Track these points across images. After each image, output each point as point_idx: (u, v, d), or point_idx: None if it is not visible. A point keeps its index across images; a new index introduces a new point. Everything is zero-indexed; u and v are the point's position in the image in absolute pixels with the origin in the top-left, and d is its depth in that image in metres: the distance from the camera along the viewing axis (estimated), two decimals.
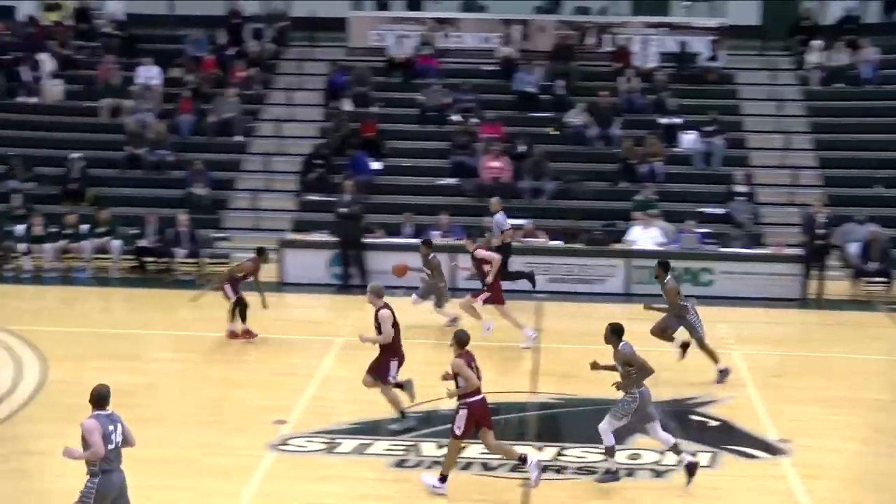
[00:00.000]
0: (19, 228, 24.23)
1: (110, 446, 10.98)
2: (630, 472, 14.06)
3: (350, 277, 23.19)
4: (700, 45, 30.36)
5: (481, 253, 19.57)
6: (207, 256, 24.14)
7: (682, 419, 15.95)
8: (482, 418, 13.29)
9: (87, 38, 31.08)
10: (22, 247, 23.95)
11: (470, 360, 13.33)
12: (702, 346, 17.41)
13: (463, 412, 13.21)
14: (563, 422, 16.52)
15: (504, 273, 20.67)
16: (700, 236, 23.97)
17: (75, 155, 26.47)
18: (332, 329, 20.26)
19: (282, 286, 23.12)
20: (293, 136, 28.24)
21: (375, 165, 26.93)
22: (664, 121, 28.07)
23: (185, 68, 29.41)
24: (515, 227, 23.72)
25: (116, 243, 23.98)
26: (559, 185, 26.36)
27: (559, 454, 14.63)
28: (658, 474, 14.06)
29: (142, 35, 31.08)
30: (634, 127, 27.83)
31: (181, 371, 18.22)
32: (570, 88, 28.95)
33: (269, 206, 26.56)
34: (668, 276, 17.45)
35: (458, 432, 13.25)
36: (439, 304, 20.16)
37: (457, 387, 13.23)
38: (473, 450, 14.63)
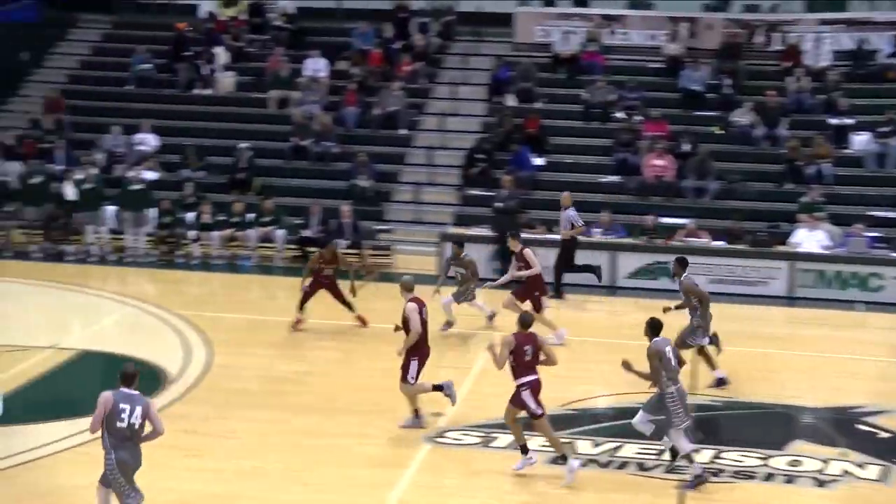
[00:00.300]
0: (190, 216, 24.91)
1: (119, 424, 11.20)
2: (790, 479, 13.78)
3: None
4: (881, 42, 29.42)
5: (528, 254, 19.24)
6: (369, 248, 24.42)
7: (848, 428, 15.53)
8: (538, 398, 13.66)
9: (259, 32, 31.81)
10: (192, 234, 24.62)
11: (527, 341, 13.59)
12: (700, 349, 16.89)
13: (526, 393, 13.55)
14: (721, 424, 16.24)
15: (571, 268, 22.06)
16: (870, 240, 23.27)
17: (244, 145, 27.09)
18: (490, 323, 20.29)
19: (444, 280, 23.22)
20: (456, 130, 28.37)
21: (538, 161, 26.88)
22: (834, 121, 27.32)
23: (352, 61, 29.83)
24: (678, 227, 23.50)
25: (281, 232, 24.45)
26: (723, 184, 25.92)
27: (716, 457, 14.40)
28: (820, 483, 13.73)
29: (310, 28, 31.63)
30: (802, 127, 27.17)
31: (340, 360, 18.48)
32: (737, 87, 28.43)
33: (431, 200, 26.73)
34: (686, 273, 17.02)
35: (538, 413, 13.59)
36: (457, 298, 19.70)
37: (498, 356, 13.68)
38: (629, 449, 14.53)
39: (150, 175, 26.20)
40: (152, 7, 34.44)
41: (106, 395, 11.29)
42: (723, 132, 27.52)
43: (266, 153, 27.64)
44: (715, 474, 13.86)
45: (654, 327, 13.60)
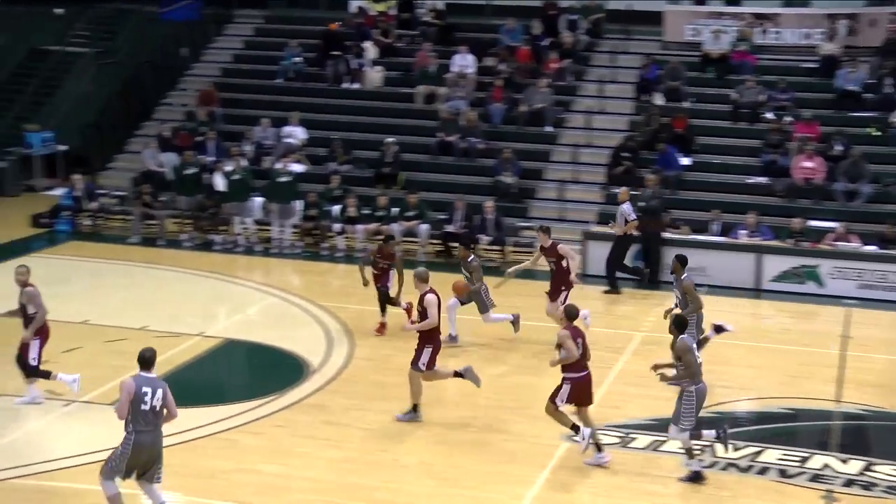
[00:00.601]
0: (335, 209, 25.22)
1: (143, 407, 11.54)
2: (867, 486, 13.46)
3: (652, 272, 22.92)
4: None
5: (564, 248, 18.67)
6: (512, 245, 24.39)
7: None
8: (583, 396, 13.96)
9: (407, 27, 32.06)
10: (336, 226, 24.93)
11: (577, 334, 13.86)
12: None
13: (566, 387, 13.86)
14: (871, 435, 15.82)
15: (620, 265, 21.83)
16: None
17: (390, 139, 27.32)
18: (632, 323, 20.11)
19: (584, 278, 23.11)
20: (603, 128, 28.15)
21: (684, 161, 26.51)
22: None
23: (499, 57, 29.82)
24: (826, 231, 22.96)
25: (424, 227, 24.59)
26: (877, 188, 25.18)
27: (866, 469, 14.02)
28: None
29: (459, 24, 31.73)
30: None
31: (483, 356, 18.49)
32: None
33: (575, 198, 26.58)
34: (685, 272, 16.74)
35: (560, 405, 13.91)
36: (483, 310, 18.66)
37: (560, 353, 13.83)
38: (770, 454, 14.26)
39: (298, 167, 26.61)
40: (304, 1, 35.01)
41: (127, 382, 11.67)
42: (879, 133, 26.72)
43: (412, 148, 27.83)
44: (867, 487, 13.51)
45: (679, 324, 13.66)
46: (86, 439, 14.58)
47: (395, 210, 24.91)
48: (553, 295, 18.52)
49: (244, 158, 26.44)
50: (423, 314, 15.27)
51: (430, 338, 15.30)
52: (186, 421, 15.14)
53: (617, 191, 23.51)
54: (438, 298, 15.35)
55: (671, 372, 13.75)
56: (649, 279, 22.80)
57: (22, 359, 15.49)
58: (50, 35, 33.17)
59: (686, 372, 13.40)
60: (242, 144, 27.63)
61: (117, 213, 26.65)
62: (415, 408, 15.36)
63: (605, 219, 24.80)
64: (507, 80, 28.91)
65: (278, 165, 26.08)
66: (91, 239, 25.47)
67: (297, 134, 28.05)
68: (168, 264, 23.47)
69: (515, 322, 18.76)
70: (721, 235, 23.52)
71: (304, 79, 30.59)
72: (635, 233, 22.47)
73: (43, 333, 15.58)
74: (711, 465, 14.03)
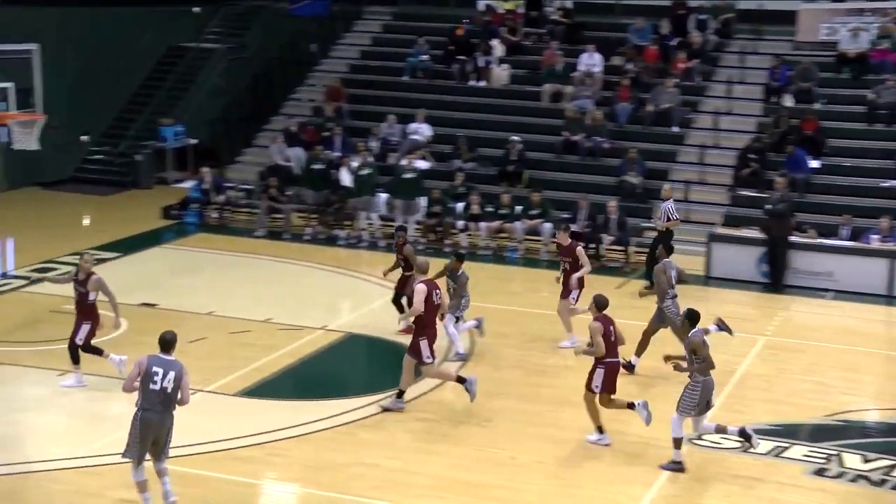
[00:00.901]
0: (459, 206, 25.30)
1: (152, 386, 11.73)
2: None
3: (778, 276, 22.51)
4: None
5: (580, 252, 18.23)
6: (635, 245, 24.18)
7: None
8: (611, 383, 14.24)
9: (535, 25, 31.98)
10: (460, 224, 24.99)
11: (607, 323, 14.23)
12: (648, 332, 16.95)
13: (600, 371, 14.18)
14: None
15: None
16: None
17: (515, 138, 27.28)
18: (756, 327, 19.78)
19: (707, 280, 22.83)
20: (730, 129, 27.73)
21: (814, 164, 25.96)
22: None
23: (627, 57, 29.59)
24: None
25: (547, 226, 24.50)
26: None
27: None
28: None
29: (587, 23, 31.55)
30: None
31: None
32: None
33: (701, 199, 26.23)
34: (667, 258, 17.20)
35: (596, 390, 14.20)
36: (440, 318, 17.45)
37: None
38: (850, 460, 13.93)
39: (423, 164, 26.74)
40: None
41: (141, 359, 11.91)
42: None
43: (537, 146, 27.77)
44: None
45: (692, 318, 13.87)
46: (208, 428, 14.84)
47: (518, 208, 24.88)
48: (564, 294, 18.25)
49: (370, 154, 26.66)
50: (409, 302, 15.33)
51: (422, 329, 15.26)
52: (307, 413, 15.40)
53: (745, 192, 23.14)
54: (430, 287, 15.25)
55: (684, 364, 13.86)
56: (774, 283, 22.39)
57: (82, 343, 15.84)
58: (187, 33, 33.90)
59: (704, 365, 13.54)
60: (368, 140, 27.86)
61: (244, 206, 27.10)
62: (400, 394, 15.48)
63: (731, 221, 24.51)
64: (634, 80, 28.66)
65: (403, 162, 26.25)
66: (218, 231, 25.94)
67: (422, 131, 28.19)
68: (293, 258, 23.77)
69: (479, 326, 18.24)
70: (851, 240, 22.99)
71: (431, 76, 30.72)
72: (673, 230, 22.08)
73: (95, 319, 15.93)
74: (839, 476, 13.73)
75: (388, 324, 19.16)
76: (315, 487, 13.30)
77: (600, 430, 14.45)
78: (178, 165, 31.45)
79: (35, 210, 27.67)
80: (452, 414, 15.53)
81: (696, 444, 14.35)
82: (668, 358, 14.34)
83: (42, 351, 16.69)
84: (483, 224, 24.80)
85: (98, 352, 16.03)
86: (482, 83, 30.26)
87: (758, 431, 14.58)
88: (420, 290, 15.22)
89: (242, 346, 17.87)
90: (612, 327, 14.31)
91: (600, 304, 14.45)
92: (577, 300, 18.12)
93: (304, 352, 17.90)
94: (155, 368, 11.86)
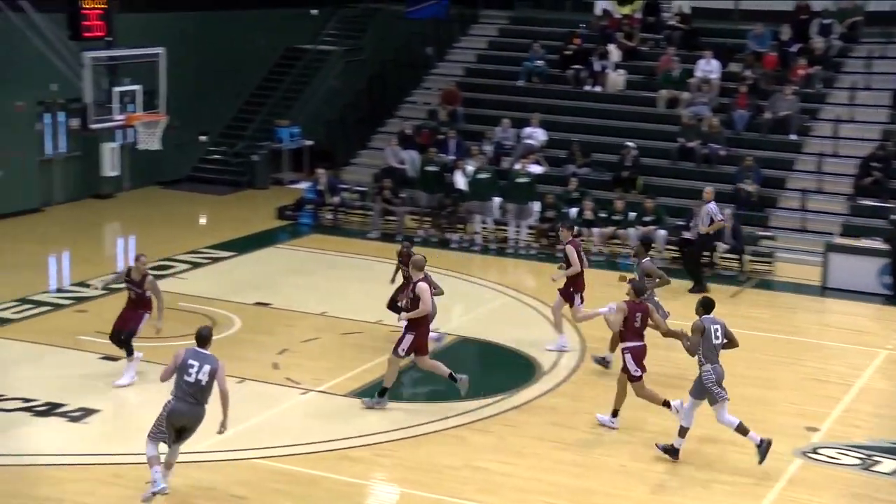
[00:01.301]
0: (572, 211, 25.18)
1: (187, 377, 12.07)
2: None
3: None
4: None
5: (571, 251, 17.79)
6: (750, 254, 23.81)
7: None
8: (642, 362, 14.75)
9: (652, 31, 31.72)
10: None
11: (637, 309, 14.73)
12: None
13: (629, 356, 14.66)
14: None
15: (699, 263, 22.05)
16: None
17: (630, 143, 27.08)
18: (877, 340, 19.37)
19: (824, 290, 22.40)
20: (852, 137, 27.17)
21: None
22: None
23: (745, 63, 29.18)
24: None
25: (661, 233, 24.26)
26: None
27: None
28: None
29: (705, 28, 31.18)
30: None
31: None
32: None
33: (819, 209, 25.73)
34: (648, 258, 17.53)
35: (636, 375, 14.69)
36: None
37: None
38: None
39: (536, 169, 26.67)
40: (549, 3, 35.07)
41: (178, 351, 12.36)
42: None
43: (651, 153, 27.52)
44: None
45: (706, 305, 14.16)
46: (320, 427, 15.00)
47: (632, 214, 24.68)
48: (565, 295, 18.10)
49: (484, 158, 26.67)
50: (416, 302, 15.30)
51: (415, 325, 15.34)
52: (416, 416, 15.45)
53: (866, 202, 22.63)
54: (431, 287, 15.43)
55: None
56: None
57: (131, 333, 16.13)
58: (304, 34, 34.28)
59: (692, 348, 13.97)
60: (482, 144, 27.88)
61: (358, 207, 27.31)
62: (383, 392, 15.52)
63: (851, 231, 23.99)
64: (752, 87, 28.25)
65: (517, 166, 26.21)
66: (332, 232, 26.17)
67: (537, 135, 28.13)
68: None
69: (439, 339, 18.15)
70: None
71: (546, 81, 30.64)
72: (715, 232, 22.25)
73: (149, 312, 16.22)
74: None
75: (499, 328, 19.18)
76: (422, 489, 13.34)
77: (615, 413, 15.02)
78: (293, 166, 31.83)
79: (154, 209, 28.23)
80: (562, 419, 15.46)
81: (810, 457, 14.07)
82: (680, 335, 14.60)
83: (158, 347, 16.98)
84: (596, 230, 24.65)
85: (131, 351, 16.22)
86: (597, 88, 30.09)
87: (882, 449, 14.27)
88: (424, 288, 15.35)
89: (354, 348, 18.00)
90: (639, 314, 14.73)
91: (638, 290, 15.06)
92: (581, 302, 18.10)
93: None
94: (191, 361, 12.22)
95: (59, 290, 20.69)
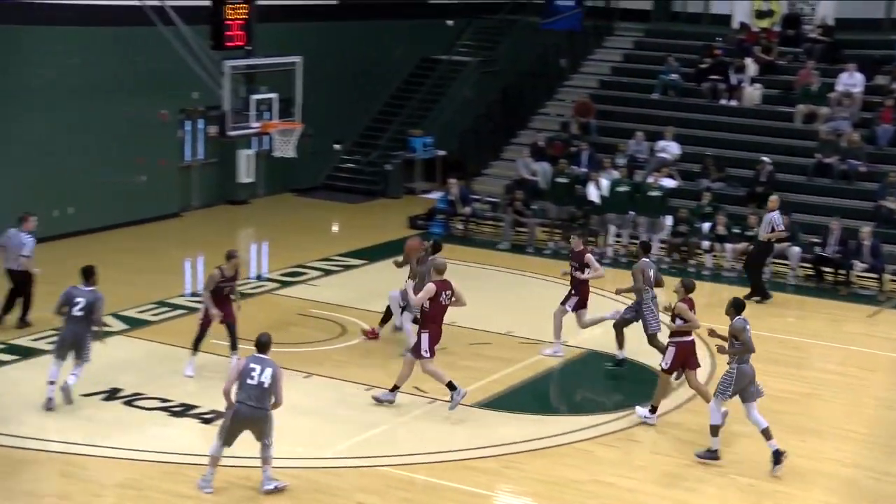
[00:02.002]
0: (705, 226, 24.88)
1: (249, 381, 12.61)
2: None
3: None
4: None
5: (590, 258, 18.16)
6: (890, 273, 23.23)
7: None
8: (689, 358, 15.23)
9: (791, 44, 31.19)
10: (705, 244, 24.57)
11: (692, 306, 15.24)
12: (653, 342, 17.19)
13: (671, 349, 15.11)
14: None
15: (759, 273, 22.13)
16: None
17: (765, 159, 26.64)
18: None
19: None
20: None
21: None
22: None
23: (892, 76, 28.48)
24: None
25: (795, 250, 23.80)
26: None
27: None
28: None
29: (849, 40, 30.53)
30: None
31: (846, 385, 17.76)
32: None
33: None
34: (647, 259, 17.77)
35: (665, 367, 15.17)
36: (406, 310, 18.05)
37: (675, 323, 15.25)
38: None
39: (669, 183, 26.41)
40: (685, 16, 34.75)
41: (240, 360, 13.20)
42: None
43: (787, 168, 27.03)
44: None
45: (738, 306, 14.45)
46: (445, 437, 15.07)
47: None
48: (565, 301, 18.32)
49: (616, 171, 26.51)
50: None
51: (424, 324, 15.72)
52: (544, 427, 15.43)
53: None
54: (440, 288, 15.58)
55: (726, 345, 14.41)
56: None
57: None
58: (440, 45, 34.52)
59: (744, 349, 14.13)
60: (615, 157, 27.72)
61: (489, 218, 27.36)
62: (395, 388, 15.82)
63: None
64: None
65: (650, 179, 25.99)
66: (462, 243, 26.23)
67: (670, 149, 27.87)
68: (535, 272, 23.84)
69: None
70: None
71: (681, 94, 30.35)
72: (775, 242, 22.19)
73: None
74: None
75: (629, 342, 19.03)
76: (547, 502, 13.31)
77: (653, 410, 15.45)
78: (426, 176, 32.05)
79: (287, 216, 28.69)
80: (691, 436, 15.27)
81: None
82: (712, 333, 14.98)
83: (289, 353, 17.25)
84: (729, 245, 24.30)
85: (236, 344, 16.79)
86: (733, 102, 29.68)
87: None
88: (430, 288, 15.59)
89: (482, 358, 18.04)
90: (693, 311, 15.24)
91: (688, 286, 15.47)
92: (573, 308, 18.27)
93: (543, 366, 17.94)
94: (252, 365, 12.74)
95: (193, 294, 21.15)
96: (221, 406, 14.67)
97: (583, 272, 18.18)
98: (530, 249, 25.62)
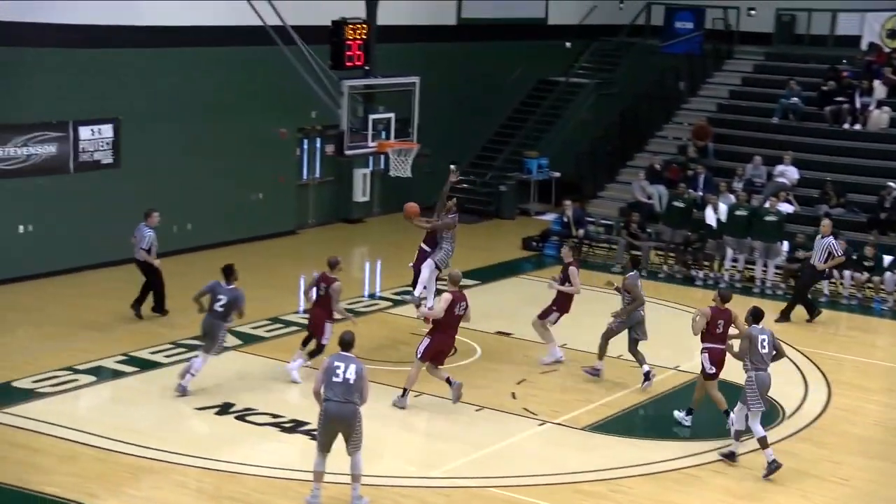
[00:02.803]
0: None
1: (335, 378, 12.73)
2: None
3: None
4: None
5: (573, 272, 18.43)
6: None
7: None
8: (719, 363, 15.70)
9: None
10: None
11: (720, 316, 15.64)
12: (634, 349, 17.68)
13: (706, 355, 15.65)
14: None
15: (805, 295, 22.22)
16: None
17: (891, 184, 26.05)
18: None
19: None
20: None
21: None
22: None
23: None
24: None
25: (847, 274, 23.28)
26: None
27: None
28: None
29: None
30: None
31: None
32: None
33: None
34: (634, 272, 18.35)
35: (710, 372, 15.71)
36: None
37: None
38: None
39: (786, 207, 25.98)
40: (809, 38, 34.18)
41: (326, 359, 13.12)
42: None
43: None
44: None
45: (755, 315, 14.88)
46: (553, 459, 14.99)
47: (887, 258, 23.71)
48: (544, 315, 18.65)
49: (732, 195, 26.13)
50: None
51: (433, 331, 16.33)
52: (654, 452, 15.27)
53: None
54: (456, 299, 16.16)
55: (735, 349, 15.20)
56: None
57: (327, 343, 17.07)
58: (557, 67, 34.49)
59: (740, 355, 14.88)
60: (733, 181, 27.36)
61: (603, 241, 27.20)
62: (404, 392, 16.35)
63: None
64: None
65: (767, 204, 25.58)
66: None
67: (789, 173, 27.43)
68: (649, 295, 23.49)
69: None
70: None
71: (801, 118, 29.87)
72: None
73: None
74: None
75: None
76: None
77: (689, 412, 16.15)
78: (540, 197, 32.00)
79: (401, 235, 28.74)
80: (805, 466, 14.98)
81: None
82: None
83: (398, 371, 17.35)
84: (847, 272, 23.79)
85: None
86: (857, 126, 29.10)
87: None
88: (445, 298, 16.16)
89: (592, 381, 17.92)
90: (721, 321, 15.62)
91: (725, 297, 15.90)
92: (555, 322, 18.67)
93: (654, 391, 17.75)
94: (337, 363, 12.86)
95: (306, 312, 21.39)
96: None
97: (565, 284, 18.61)
98: (644, 273, 25.33)
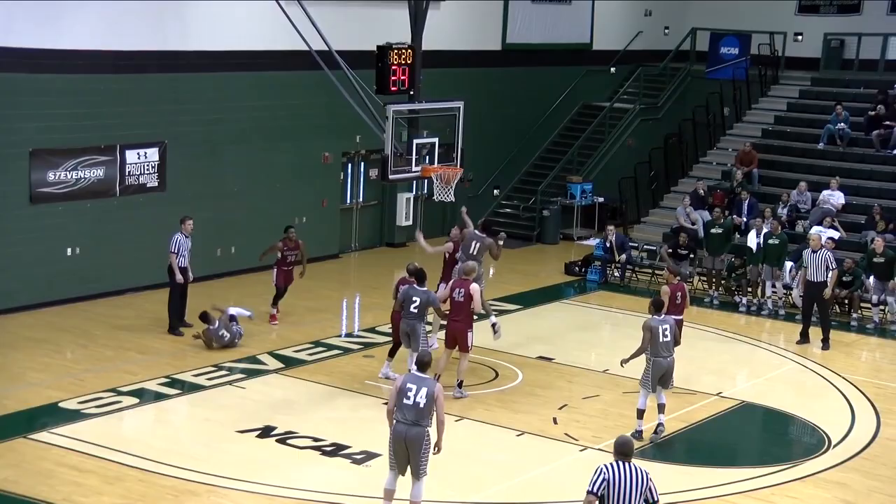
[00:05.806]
0: (871, 279, 24.08)
1: (406, 401, 12.55)
2: None
3: None
4: None
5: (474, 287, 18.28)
6: None
7: None
8: None
9: None
10: (873, 297, 23.78)
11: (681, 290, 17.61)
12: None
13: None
14: None
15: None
16: None
17: None
18: None
19: None
20: None
21: None
22: None
23: None
24: None
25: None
26: None
27: None
28: None
29: None
30: None
31: None
32: None
33: None
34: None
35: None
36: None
37: None
38: None
39: (832, 234, 25.76)
40: (858, 63, 33.92)
41: (400, 377, 13.15)
42: None
43: None
44: None
45: (656, 305, 16.25)
46: None
47: None
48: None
49: (776, 223, 25.88)
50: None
51: (461, 321, 17.94)
52: (695, 479, 15.16)
53: None
54: (455, 286, 17.96)
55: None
56: None
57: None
58: (602, 92, 34.49)
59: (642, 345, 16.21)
60: (777, 207, 27.19)
61: (646, 266, 27.09)
62: (460, 384, 17.73)
63: None
64: None
65: (812, 231, 25.38)
66: (619, 290, 26.03)
67: (834, 199, 27.23)
68: (691, 321, 23.42)
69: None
70: None
71: (848, 143, 29.66)
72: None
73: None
74: None
75: (784, 395, 18.62)
76: None
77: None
78: (583, 222, 31.94)
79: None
80: (854, 497, 14.80)
81: None
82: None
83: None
84: (891, 300, 23.54)
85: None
86: None
87: None
88: (452, 285, 18.00)
89: (634, 407, 17.80)
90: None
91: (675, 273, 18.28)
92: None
93: (695, 417, 17.63)
94: (409, 385, 12.67)
95: (348, 335, 21.47)
96: (374, 446, 14.87)
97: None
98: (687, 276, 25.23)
